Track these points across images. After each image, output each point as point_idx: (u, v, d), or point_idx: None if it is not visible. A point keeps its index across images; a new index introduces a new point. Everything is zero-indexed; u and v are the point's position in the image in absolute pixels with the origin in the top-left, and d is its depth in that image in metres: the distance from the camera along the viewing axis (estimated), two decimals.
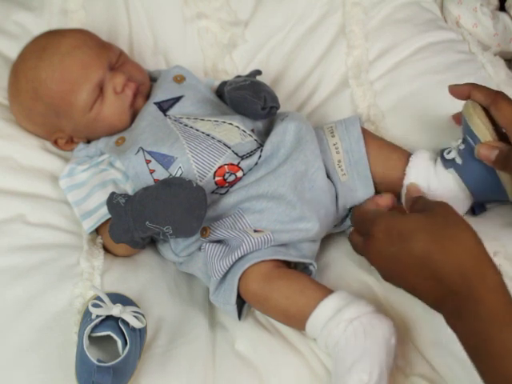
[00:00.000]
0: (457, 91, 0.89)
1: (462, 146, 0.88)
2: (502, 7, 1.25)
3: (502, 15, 1.22)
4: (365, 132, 0.97)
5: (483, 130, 0.84)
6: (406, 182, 0.92)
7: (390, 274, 0.75)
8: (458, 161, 0.88)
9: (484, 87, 0.87)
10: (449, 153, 0.90)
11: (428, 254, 0.70)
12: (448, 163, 0.90)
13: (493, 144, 0.83)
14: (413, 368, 0.80)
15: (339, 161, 0.96)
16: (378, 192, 0.95)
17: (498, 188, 0.86)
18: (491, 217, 0.91)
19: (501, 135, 0.84)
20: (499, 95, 0.84)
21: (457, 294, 0.68)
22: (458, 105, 0.91)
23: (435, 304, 0.71)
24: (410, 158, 0.93)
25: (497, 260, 0.81)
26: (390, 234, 0.74)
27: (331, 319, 0.78)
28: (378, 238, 0.74)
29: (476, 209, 0.93)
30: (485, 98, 0.85)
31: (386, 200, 0.89)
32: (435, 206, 0.76)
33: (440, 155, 0.91)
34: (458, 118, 0.91)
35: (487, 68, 1.08)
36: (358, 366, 0.74)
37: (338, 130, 0.97)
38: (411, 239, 0.71)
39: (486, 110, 0.85)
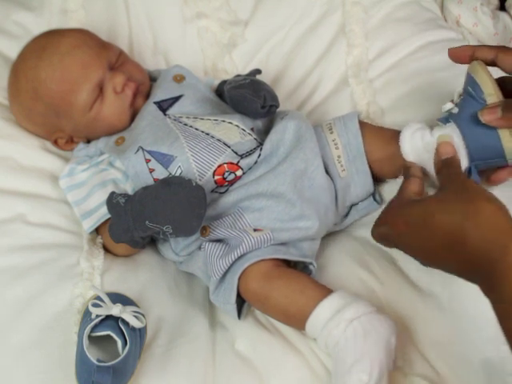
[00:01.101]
0: (458, 54, 0.86)
1: (461, 98, 0.85)
2: (502, 7, 1.25)
3: (502, 15, 1.22)
4: (363, 124, 0.97)
5: (486, 80, 0.81)
6: (402, 142, 0.88)
7: (427, 262, 0.75)
8: (455, 110, 0.85)
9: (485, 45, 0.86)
10: (446, 105, 0.87)
11: (452, 233, 0.69)
12: (445, 118, 0.86)
13: (492, 105, 0.80)
14: (413, 368, 0.80)
15: (339, 156, 0.96)
16: (382, 175, 0.97)
17: (495, 142, 0.81)
18: None
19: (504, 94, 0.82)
20: (503, 47, 0.84)
21: (483, 269, 0.67)
22: None
23: (470, 278, 0.70)
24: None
25: None
26: (409, 225, 0.74)
27: (331, 319, 0.77)
28: (402, 232, 0.75)
29: (470, 174, 0.86)
30: (490, 50, 0.83)
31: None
32: (449, 183, 0.75)
33: (438, 118, 0.88)
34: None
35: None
36: (357, 366, 0.74)
37: (337, 126, 0.97)
38: (430, 225, 0.71)
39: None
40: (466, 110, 0.83)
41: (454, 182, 0.76)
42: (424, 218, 0.73)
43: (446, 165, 0.81)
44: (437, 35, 1.12)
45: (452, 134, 0.83)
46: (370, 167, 0.95)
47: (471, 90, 0.83)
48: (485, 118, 0.80)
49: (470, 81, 0.83)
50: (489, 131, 0.81)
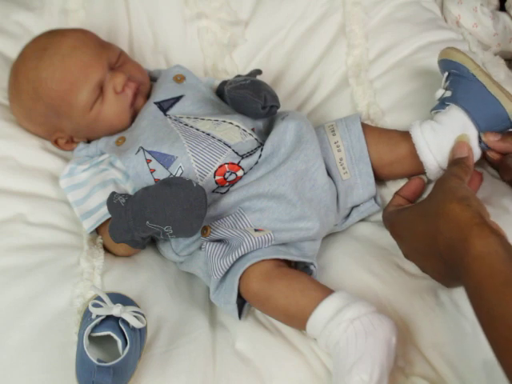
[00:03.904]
0: None
1: (447, 82, 0.91)
2: (502, 7, 1.25)
3: (502, 15, 1.22)
4: (364, 126, 0.97)
5: (465, 59, 0.88)
6: (416, 139, 0.91)
7: (420, 266, 0.83)
8: (448, 94, 0.91)
9: None
10: (438, 92, 0.93)
11: (426, 235, 0.76)
12: (441, 105, 0.92)
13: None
14: (413, 368, 0.80)
15: (341, 159, 0.96)
16: (386, 178, 0.98)
17: (496, 108, 0.86)
18: (492, 217, 0.91)
19: None
20: None
21: (453, 267, 0.72)
22: None
23: (446, 281, 0.78)
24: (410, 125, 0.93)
25: None
26: (395, 231, 0.85)
27: (332, 319, 0.77)
28: (393, 236, 0.85)
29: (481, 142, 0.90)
30: None
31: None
32: (433, 189, 0.82)
33: (431, 109, 0.94)
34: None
35: (487, 68, 1.08)
36: (358, 366, 0.74)
37: (339, 128, 0.97)
38: (413, 228, 0.80)
39: None
40: (460, 88, 0.89)
41: (437, 182, 0.82)
42: (408, 222, 0.82)
43: (454, 162, 0.86)
44: (437, 35, 1.12)
45: (469, 134, 0.88)
46: (374, 170, 0.96)
47: (456, 71, 0.88)
48: None
49: (451, 65, 0.89)
50: (488, 100, 0.86)
